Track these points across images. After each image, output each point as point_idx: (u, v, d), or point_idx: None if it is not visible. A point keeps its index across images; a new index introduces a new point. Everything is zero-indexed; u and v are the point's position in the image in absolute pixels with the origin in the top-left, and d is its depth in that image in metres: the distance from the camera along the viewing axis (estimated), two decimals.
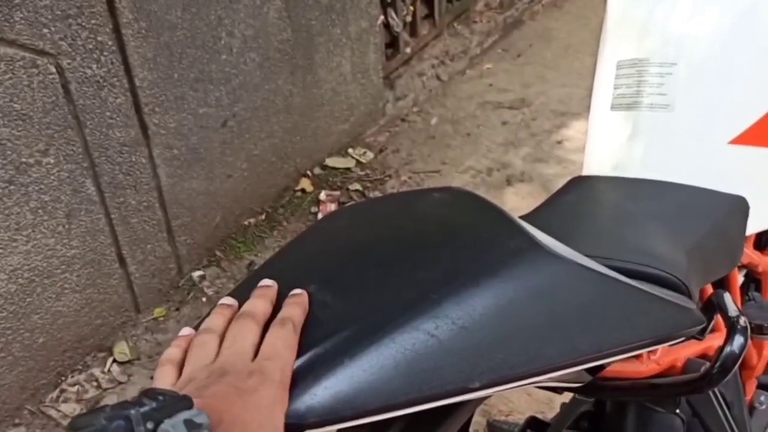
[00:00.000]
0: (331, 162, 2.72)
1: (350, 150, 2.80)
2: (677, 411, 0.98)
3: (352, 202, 2.55)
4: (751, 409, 1.21)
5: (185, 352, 0.56)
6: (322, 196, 2.56)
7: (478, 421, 1.71)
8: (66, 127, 1.80)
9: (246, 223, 2.46)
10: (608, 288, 0.63)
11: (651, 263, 0.79)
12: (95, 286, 2.02)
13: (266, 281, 0.60)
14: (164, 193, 2.13)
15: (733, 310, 0.72)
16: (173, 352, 0.56)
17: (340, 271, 0.62)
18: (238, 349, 0.54)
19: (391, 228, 0.67)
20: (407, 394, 0.52)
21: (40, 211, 1.80)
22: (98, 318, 2.06)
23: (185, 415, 0.44)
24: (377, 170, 2.74)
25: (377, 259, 0.63)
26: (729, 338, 0.71)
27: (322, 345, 0.53)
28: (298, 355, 0.54)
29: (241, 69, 2.26)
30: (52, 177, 1.81)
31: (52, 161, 1.79)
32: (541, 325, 0.58)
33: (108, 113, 1.89)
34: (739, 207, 0.97)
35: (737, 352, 0.70)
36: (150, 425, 0.43)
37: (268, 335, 0.55)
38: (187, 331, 0.59)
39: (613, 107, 1.04)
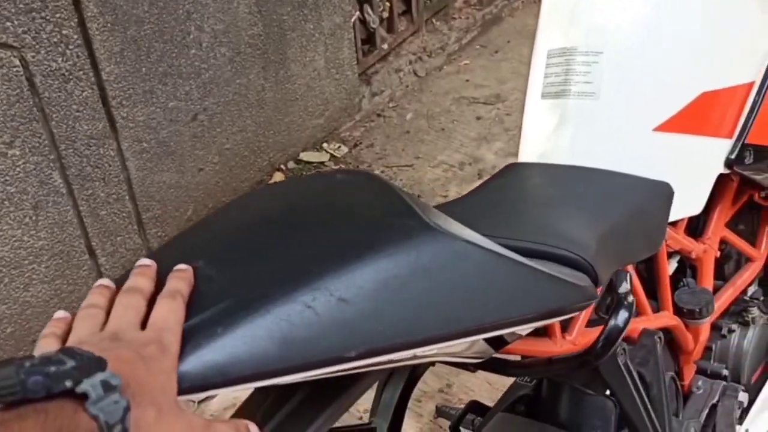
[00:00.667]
0: (305, 156, 2.74)
1: (324, 144, 2.83)
2: (608, 393, 1.01)
3: None
4: (689, 393, 1.24)
5: (66, 332, 0.57)
6: None
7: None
8: (31, 120, 1.82)
9: None
10: (495, 265, 0.65)
11: (558, 244, 0.81)
12: (64, 278, 2.04)
13: (144, 260, 0.62)
14: (134, 186, 2.16)
15: (624, 288, 0.74)
16: (53, 329, 0.57)
17: (231, 247, 0.65)
18: (128, 320, 0.56)
19: (289, 207, 0.69)
20: (281, 364, 0.55)
21: (6, 202, 1.83)
22: (67, 309, 2.08)
23: (101, 376, 0.44)
24: (351, 164, 2.76)
25: (268, 236, 0.65)
26: (614, 313, 0.73)
27: (199, 316, 0.55)
28: None
29: (211, 63, 2.28)
30: (18, 168, 1.83)
31: (17, 153, 1.82)
32: (421, 299, 0.61)
33: (74, 106, 1.91)
34: (662, 192, 1.00)
35: (621, 326, 0.72)
36: (69, 383, 0.43)
37: (158, 306, 0.57)
38: (61, 314, 0.59)
39: (544, 96, 1.06)
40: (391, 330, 0.59)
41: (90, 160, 2.00)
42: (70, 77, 1.88)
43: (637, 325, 1.02)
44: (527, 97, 1.12)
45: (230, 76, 2.36)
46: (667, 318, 1.10)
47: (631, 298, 0.74)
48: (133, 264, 0.63)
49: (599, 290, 0.82)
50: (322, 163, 2.75)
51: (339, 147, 2.83)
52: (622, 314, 0.73)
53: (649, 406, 0.92)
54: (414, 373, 1.06)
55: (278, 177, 2.64)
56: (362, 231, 0.63)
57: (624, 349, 0.93)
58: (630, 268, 1.01)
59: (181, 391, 0.52)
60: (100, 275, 2.14)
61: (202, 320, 0.55)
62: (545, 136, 1.06)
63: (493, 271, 0.65)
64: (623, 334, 0.73)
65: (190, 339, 0.54)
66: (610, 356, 0.91)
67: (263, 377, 0.54)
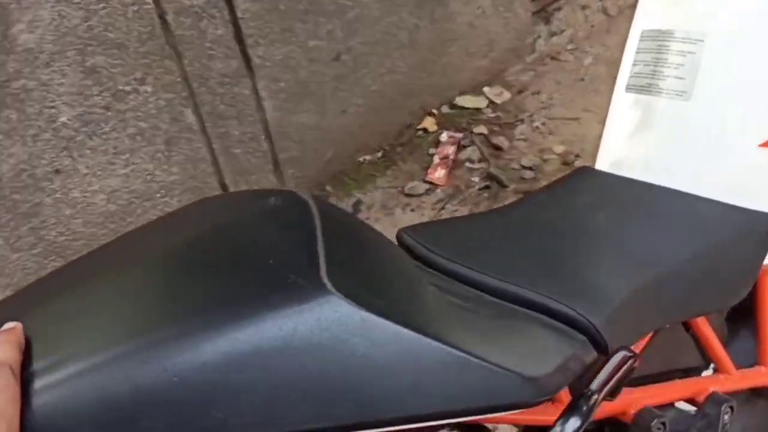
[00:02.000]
0: (461, 101, 2.58)
1: (486, 89, 2.64)
2: None
3: (472, 146, 2.42)
4: None
5: None
6: (443, 137, 2.45)
7: None
8: (163, 57, 1.84)
9: (360, 159, 2.42)
10: (398, 343, 0.50)
11: (562, 297, 0.64)
12: None
13: (8, 324, 0.54)
14: (270, 126, 2.14)
15: (598, 382, 0.56)
16: None
17: (100, 284, 0.55)
18: None
19: (186, 241, 0.58)
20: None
21: (138, 137, 1.88)
22: None
23: None
24: (510, 113, 2.56)
25: (148, 272, 0.55)
26: (564, 415, 0.56)
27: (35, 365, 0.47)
28: None
29: (357, 1, 2.17)
30: (150, 105, 1.86)
31: (149, 89, 1.85)
32: (284, 383, 0.48)
33: (208, 44, 1.90)
34: (760, 225, 0.77)
35: None
36: None
37: None
38: None
39: (629, 88, 0.85)
40: (241, 419, 0.48)
41: (224, 98, 2.00)
42: (204, 15, 1.86)
43: (707, 386, 0.81)
44: (616, 85, 0.90)
45: (379, 14, 2.24)
46: (764, 375, 0.87)
47: (595, 398, 0.56)
48: None
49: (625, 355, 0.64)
50: (479, 109, 2.57)
51: (501, 92, 2.63)
52: (571, 420, 0.56)
53: None
54: None
55: (429, 122, 2.51)
56: (240, 288, 0.51)
57: (663, 424, 0.74)
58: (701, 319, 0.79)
59: None
60: None
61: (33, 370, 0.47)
62: (624, 140, 0.85)
63: (393, 350, 0.50)
64: None
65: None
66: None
67: None
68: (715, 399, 0.80)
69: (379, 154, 2.45)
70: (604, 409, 0.74)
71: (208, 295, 0.51)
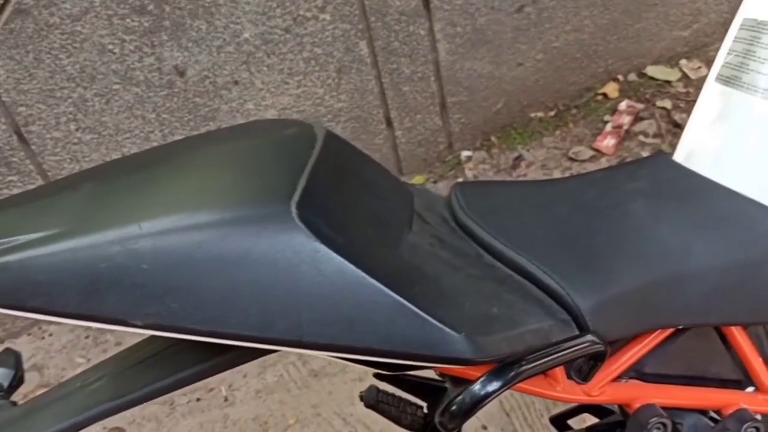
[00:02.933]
0: (652, 71, 2.44)
1: (683, 62, 2.47)
2: None
3: (650, 120, 2.30)
4: None
5: None
6: (622, 105, 2.35)
7: None
8: None
9: (531, 115, 2.39)
10: (343, 280, 0.55)
11: (552, 269, 0.65)
12: (360, 140, 2.20)
13: None
14: (441, 68, 2.18)
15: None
16: None
17: (109, 181, 0.65)
18: None
19: (191, 148, 0.66)
20: (65, 306, 0.56)
21: (312, 61, 2.00)
22: None
23: None
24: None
25: (140, 171, 0.64)
26: (484, 376, 0.57)
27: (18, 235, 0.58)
28: None
29: None
30: (327, 33, 1.97)
31: (328, 18, 1.95)
32: (236, 290, 0.55)
33: None
34: None
35: (477, 395, 0.57)
36: None
37: None
38: None
39: (718, 77, 0.80)
40: (192, 313, 0.55)
41: (398, 35, 2.06)
42: None
43: (737, 401, 0.78)
44: (709, 73, 0.85)
45: None
46: None
47: (526, 367, 0.57)
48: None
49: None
50: (669, 82, 2.42)
51: (699, 68, 2.46)
52: (490, 382, 0.57)
53: None
54: None
55: (611, 87, 2.41)
56: (218, 198, 0.58)
57: (663, 425, 0.72)
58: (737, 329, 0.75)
59: None
60: (395, 146, 2.26)
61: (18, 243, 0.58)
62: (701, 132, 0.81)
63: (338, 284, 0.55)
64: (479, 406, 0.56)
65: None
66: (636, 426, 0.72)
67: (48, 312, 0.56)
68: (740, 415, 0.76)
69: (552, 113, 2.40)
70: (609, 395, 0.74)
71: (186, 197, 0.59)
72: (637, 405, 0.74)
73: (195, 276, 0.55)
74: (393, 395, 1.04)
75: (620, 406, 0.78)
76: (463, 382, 0.65)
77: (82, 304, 0.55)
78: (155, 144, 1.97)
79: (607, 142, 2.25)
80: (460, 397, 0.57)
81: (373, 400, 1.02)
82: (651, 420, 0.72)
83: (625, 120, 2.30)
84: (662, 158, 0.83)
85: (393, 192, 0.69)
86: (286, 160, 0.62)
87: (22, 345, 2.08)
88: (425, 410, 1.06)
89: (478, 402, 0.57)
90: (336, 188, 0.62)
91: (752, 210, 0.73)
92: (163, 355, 0.69)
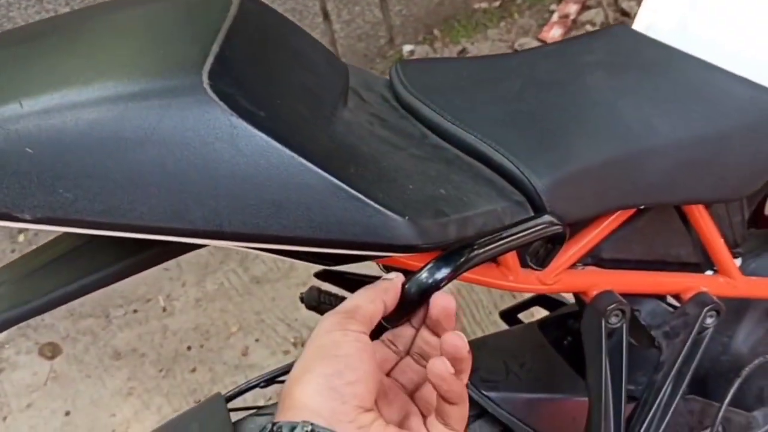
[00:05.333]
0: None
1: None
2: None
3: (597, 8, 2.22)
4: None
5: None
6: None
7: None
8: None
9: (475, 6, 2.29)
10: (268, 159, 0.47)
11: (505, 148, 0.58)
12: None
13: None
14: None
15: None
16: None
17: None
18: None
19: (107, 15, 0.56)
20: None
21: None
22: None
23: None
24: None
25: (49, 40, 0.54)
26: (437, 261, 0.52)
27: None
28: None
29: None
30: None
31: None
32: (140, 175, 0.47)
33: None
34: None
35: (427, 282, 0.51)
36: None
37: None
38: None
39: None
40: (90, 202, 0.47)
41: None
42: None
43: (697, 284, 0.74)
44: None
45: None
46: None
47: (477, 252, 0.51)
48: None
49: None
50: None
51: None
52: (438, 269, 0.51)
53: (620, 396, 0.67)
54: None
55: None
56: (116, 69, 0.49)
57: (622, 311, 0.68)
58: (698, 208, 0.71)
59: None
60: (333, 41, 2.14)
61: None
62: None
63: (261, 164, 0.47)
64: (425, 297, 0.51)
65: None
66: (593, 313, 0.68)
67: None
68: (700, 299, 0.72)
69: (496, 3, 2.30)
70: (565, 282, 0.69)
71: (79, 70, 0.49)
72: (594, 292, 0.69)
73: (90, 160, 0.46)
74: (335, 295, 0.98)
75: (576, 295, 0.73)
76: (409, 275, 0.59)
77: None
78: None
79: (554, 33, 2.18)
80: (405, 288, 0.51)
81: (315, 301, 0.96)
82: (609, 307, 0.67)
83: (572, 9, 2.22)
84: (621, 29, 0.76)
85: (324, 64, 0.60)
86: (196, 27, 0.53)
87: None
88: None
89: (425, 292, 0.51)
90: (256, 57, 0.53)
91: (722, 80, 0.67)
92: (70, 256, 0.61)
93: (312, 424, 0.42)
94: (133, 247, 0.56)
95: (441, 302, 0.51)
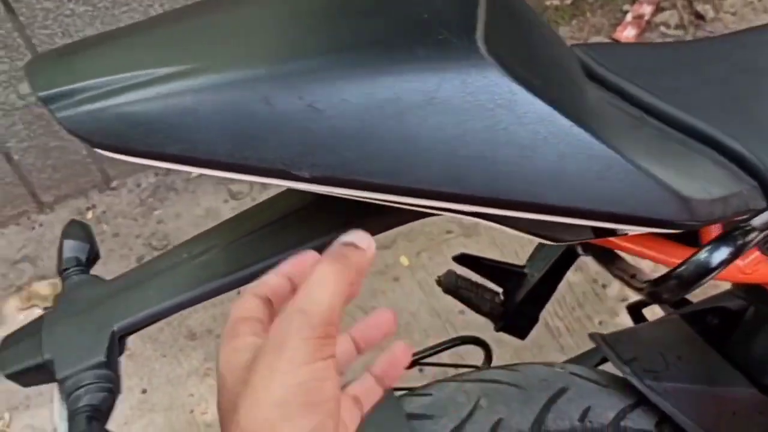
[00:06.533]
0: None
1: None
2: None
3: (672, 10, 2.20)
4: None
5: None
6: None
7: None
8: None
9: (547, 3, 2.27)
10: (551, 128, 0.46)
11: (730, 132, 0.58)
12: None
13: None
14: None
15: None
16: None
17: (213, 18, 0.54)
18: None
19: None
20: (212, 153, 0.46)
21: None
22: None
23: None
24: None
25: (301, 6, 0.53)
26: (710, 245, 0.50)
27: (153, 69, 0.47)
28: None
29: None
30: None
31: None
32: (420, 138, 0.46)
33: None
34: None
35: (706, 266, 0.50)
36: None
37: None
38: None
39: None
40: (368, 164, 0.46)
41: None
42: None
43: None
44: None
45: None
46: None
47: (753, 236, 0.50)
48: None
49: None
50: None
51: None
52: (720, 249, 0.50)
53: None
54: None
55: None
56: (389, 35, 0.48)
57: None
58: None
59: (95, 144, 0.47)
60: None
61: (154, 76, 0.47)
62: None
63: (540, 132, 0.46)
64: (709, 277, 0.50)
65: (122, 90, 0.47)
66: None
67: (186, 161, 0.46)
68: None
69: (568, 2, 2.29)
70: (763, 272, 0.68)
71: (356, 34, 0.49)
72: None
73: (371, 122, 0.46)
74: (471, 281, 0.98)
75: (757, 287, 0.72)
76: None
77: (235, 152, 0.46)
78: None
79: (628, 33, 2.16)
80: (682, 268, 0.50)
81: (453, 285, 0.96)
82: None
83: (646, 10, 2.20)
84: None
85: (561, 44, 0.60)
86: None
87: (11, 236, 1.96)
88: (501, 297, 1.01)
89: (704, 274, 0.50)
90: (514, 27, 0.52)
91: None
92: (285, 222, 0.60)
93: None
94: (359, 210, 0.55)
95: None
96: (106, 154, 0.46)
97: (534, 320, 1.01)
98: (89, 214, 1.96)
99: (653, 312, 1.11)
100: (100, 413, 0.56)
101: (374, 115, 0.46)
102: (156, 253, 1.82)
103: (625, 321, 1.60)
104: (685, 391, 0.79)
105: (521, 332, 1.02)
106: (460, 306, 0.98)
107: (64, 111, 0.46)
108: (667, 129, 0.61)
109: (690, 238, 0.64)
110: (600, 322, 1.60)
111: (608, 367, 0.95)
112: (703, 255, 0.50)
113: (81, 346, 0.57)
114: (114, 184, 2.01)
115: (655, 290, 0.54)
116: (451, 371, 0.90)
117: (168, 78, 0.46)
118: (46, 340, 0.58)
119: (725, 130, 0.59)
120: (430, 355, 0.92)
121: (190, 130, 0.45)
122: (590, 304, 1.64)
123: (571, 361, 0.99)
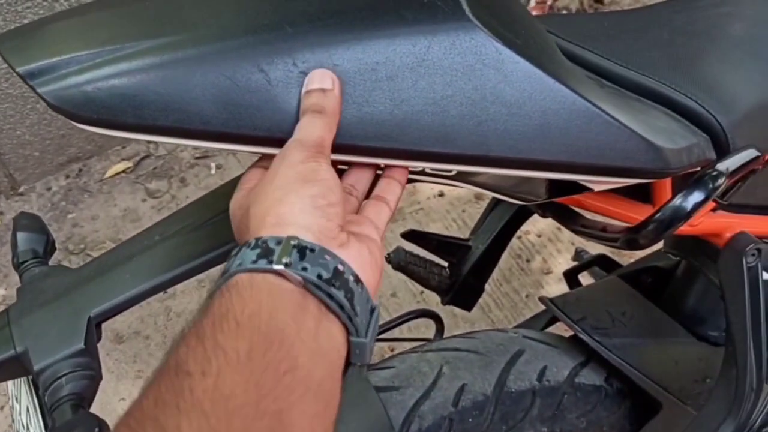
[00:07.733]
0: None
1: None
2: None
3: None
4: None
5: None
6: None
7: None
8: None
9: None
10: (537, 86, 0.48)
11: (687, 89, 0.61)
12: None
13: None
14: None
15: (735, 160, 0.54)
16: None
17: None
18: None
19: None
20: (207, 123, 0.45)
21: None
22: None
23: None
24: None
25: None
26: (685, 189, 0.54)
27: (141, 44, 0.46)
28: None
29: None
30: None
31: None
32: (410, 102, 0.47)
33: None
34: None
35: (683, 209, 0.53)
36: None
37: None
38: None
39: None
40: (361, 128, 0.47)
41: None
42: None
43: None
44: None
45: None
46: None
47: (721, 180, 0.54)
48: None
49: None
50: None
51: None
52: (694, 194, 0.53)
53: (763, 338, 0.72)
54: (524, 207, 0.92)
55: None
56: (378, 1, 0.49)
57: (759, 250, 0.72)
58: None
59: (83, 119, 0.45)
60: None
61: (141, 49, 0.46)
62: None
63: (525, 89, 0.48)
64: (684, 221, 0.54)
65: (111, 62, 0.45)
66: (732, 253, 0.72)
67: (180, 133, 0.46)
68: None
69: None
70: (707, 225, 0.72)
71: (344, 0, 0.49)
72: (727, 234, 0.73)
73: (366, 84, 0.47)
74: (420, 256, 1.00)
75: (702, 240, 0.77)
76: None
77: (229, 122, 0.46)
78: None
79: None
80: (660, 213, 0.53)
81: (402, 261, 0.97)
82: (747, 248, 0.71)
83: None
84: None
85: (529, 14, 0.62)
86: None
87: None
88: (448, 270, 1.03)
89: (682, 218, 0.53)
90: None
91: None
92: None
93: (298, 238, 0.42)
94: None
95: None
96: (93, 130, 0.45)
97: (479, 292, 1.04)
98: None
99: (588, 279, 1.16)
100: (84, 401, 0.54)
101: (366, 79, 0.47)
102: (74, 258, 1.75)
103: (550, 292, 1.67)
104: (631, 345, 0.83)
105: (467, 304, 1.05)
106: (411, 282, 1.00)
107: (46, 86, 0.44)
108: (622, 90, 0.64)
109: (643, 195, 0.69)
110: (527, 295, 1.66)
111: (554, 329, 0.99)
112: (678, 200, 0.53)
113: (57, 335, 0.55)
114: (22, 189, 1.91)
115: (633, 237, 0.56)
116: (408, 345, 0.91)
117: (159, 49, 0.45)
118: (16, 332, 0.55)
119: (676, 89, 0.62)
120: (386, 330, 0.93)
121: (184, 101, 0.45)
122: (516, 279, 1.69)
123: (520, 326, 1.02)
